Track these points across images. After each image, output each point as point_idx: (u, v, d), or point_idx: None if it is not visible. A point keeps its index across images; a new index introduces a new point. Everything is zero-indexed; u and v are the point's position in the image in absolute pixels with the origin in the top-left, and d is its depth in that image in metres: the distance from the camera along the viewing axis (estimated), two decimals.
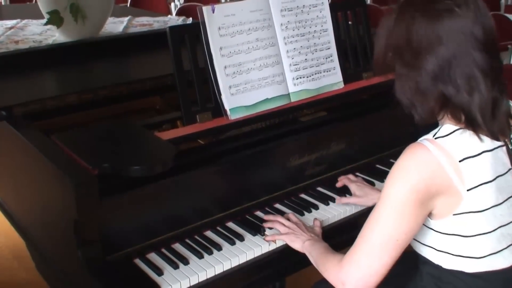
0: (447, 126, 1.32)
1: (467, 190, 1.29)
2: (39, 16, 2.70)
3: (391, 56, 1.34)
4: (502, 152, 1.35)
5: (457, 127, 1.31)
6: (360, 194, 1.81)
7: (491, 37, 1.28)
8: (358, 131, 2.00)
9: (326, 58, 2.00)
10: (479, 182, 1.30)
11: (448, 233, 1.35)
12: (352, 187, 1.85)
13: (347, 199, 1.81)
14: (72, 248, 1.43)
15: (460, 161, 1.28)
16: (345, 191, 1.87)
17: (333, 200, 1.83)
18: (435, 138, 1.30)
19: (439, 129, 1.33)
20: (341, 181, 1.89)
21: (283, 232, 1.64)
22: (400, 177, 1.29)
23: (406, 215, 1.29)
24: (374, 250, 1.32)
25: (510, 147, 1.36)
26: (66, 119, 1.90)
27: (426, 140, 1.30)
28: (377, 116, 2.05)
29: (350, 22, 2.12)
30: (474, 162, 1.29)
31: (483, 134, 1.30)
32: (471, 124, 1.29)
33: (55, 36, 2.64)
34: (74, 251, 1.42)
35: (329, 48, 2.01)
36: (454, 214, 1.32)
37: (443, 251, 1.38)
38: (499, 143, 1.34)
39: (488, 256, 1.36)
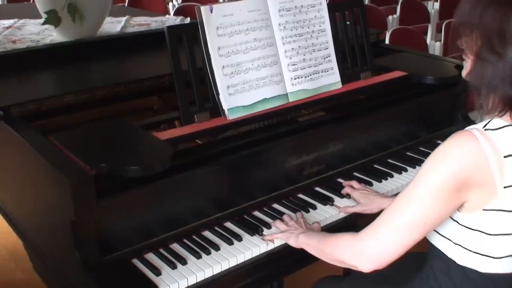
0: (497, 120, 1.30)
1: (504, 187, 1.27)
2: (36, 15, 2.70)
3: (473, 31, 1.28)
4: None
5: (507, 123, 1.29)
6: (364, 201, 1.78)
7: None
8: (356, 131, 2.00)
9: (324, 58, 2.00)
10: None
11: (472, 228, 1.33)
12: (356, 196, 1.81)
13: (352, 209, 1.79)
14: (70, 249, 1.43)
15: (505, 157, 1.26)
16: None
17: (332, 200, 1.83)
18: (485, 130, 1.28)
19: (488, 122, 1.31)
20: (345, 190, 1.86)
21: (282, 230, 1.64)
22: (442, 161, 1.27)
23: (440, 201, 1.28)
24: (399, 228, 1.31)
25: None
26: (63, 119, 1.90)
27: (476, 129, 1.29)
28: (375, 116, 2.05)
29: (348, 22, 2.12)
30: None
31: None
32: None
33: (53, 35, 2.64)
34: (72, 252, 1.42)
35: (327, 48, 2.01)
36: (484, 209, 1.30)
37: (461, 246, 1.36)
38: None
39: (505, 258, 1.35)
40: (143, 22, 3.06)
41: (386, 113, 2.09)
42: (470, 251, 1.35)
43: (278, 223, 1.68)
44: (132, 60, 2.38)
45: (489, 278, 1.36)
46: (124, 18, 3.11)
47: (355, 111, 2.02)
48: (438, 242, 1.41)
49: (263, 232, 1.66)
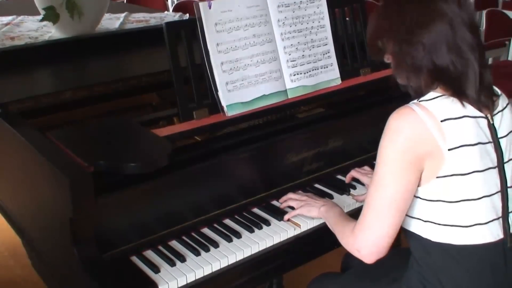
0: (431, 93, 1.41)
1: (449, 150, 1.35)
2: (35, 12, 2.69)
3: (386, 38, 1.45)
4: (484, 124, 1.41)
5: (440, 94, 1.40)
6: None
7: (473, 20, 1.42)
8: (355, 128, 2.00)
9: (324, 54, 1.99)
10: (460, 143, 1.36)
11: (433, 199, 1.40)
12: (365, 180, 1.86)
13: (362, 197, 1.80)
14: (68, 246, 1.42)
15: (442, 121, 1.35)
16: (343, 188, 1.87)
17: (331, 197, 1.83)
18: (420, 102, 1.40)
19: (424, 96, 1.42)
20: (350, 176, 1.90)
21: (297, 207, 1.71)
22: (389, 138, 1.38)
23: (400, 175, 1.37)
24: (379, 214, 1.40)
25: (492, 122, 1.42)
26: (61, 116, 1.89)
27: (412, 103, 1.40)
28: (375, 112, 2.04)
29: (347, 18, 2.11)
30: (455, 123, 1.36)
31: (467, 103, 1.38)
32: (460, 94, 1.38)
33: (51, 32, 2.63)
34: (70, 249, 1.42)
35: (326, 44, 2.00)
36: (437, 177, 1.37)
37: (431, 221, 1.42)
38: (481, 114, 1.40)
39: (475, 226, 1.39)
40: (141, 19, 3.05)
41: (385, 109, 2.08)
42: (440, 224, 1.41)
43: (290, 202, 1.74)
44: (131, 57, 2.38)
45: (465, 250, 1.40)
46: (122, 15, 3.10)
47: (354, 107, 2.02)
48: (411, 225, 1.47)
49: (262, 229, 1.65)
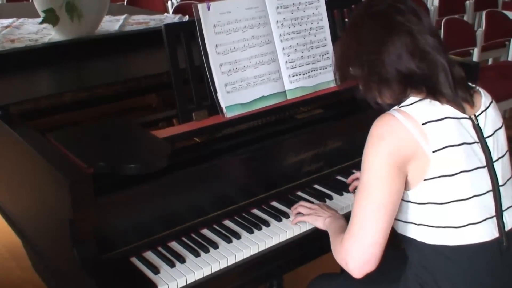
0: (411, 98, 1.43)
1: (433, 152, 1.36)
2: (35, 15, 2.70)
3: (352, 66, 1.48)
4: (468, 125, 1.42)
5: (419, 98, 1.42)
6: None
7: (432, 25, 1.45)
8: (354, 128, 1.99)
9: (322, 56, 2.00)
10: (444, 144, 1.37)
11: (423, 202, 1.40)
12: None
13: None
14: (68, 247, 1.42)
15: (423, 124, 1.37)
16: (343, 189, 1.87)
17: (330, 197, 1.83)
18: (400, 107, 1.42)
19: (404, 102, 1.44)
20: (353, 177, 1.90)
21: (306, 214, 1.70)
22: (373, 145, 1.39)
23: (385, 179, 1.37)
24: (365, 220, 1.39)
25: (476, 123, 1.43)
26: (61, 118, 1.90)
27: (393, 109, 1.42)
28: (374, 113, 2.04)
29: (346, 19, 2.12)
30: (437, 125, 1.38)
31: (445, 102, 1.40)
32: (436, 93, 1.40)
33: (51, 34, 2.64)
34: (70, 250, 1.42)
35: (325, 45, 2.01)
36: (425, 180, 1.38)
37: (424, 224, 1.42)
38: (464, 115, 1.41)
39: (468, 226, 1.40)
40: (141, 21, 3.05)
41: (384, 110, 2.08)
42: (433, 226, 1.41)
43: (300, 208, 1.73)
44: (131, 58, 2.38)
45: (460, 251, 1.41)
46: (122, 17, 3.10)
47: (353, 108, 2.01)
48: (405, 229, 1.47)
49: (262, 230, 1.66)
